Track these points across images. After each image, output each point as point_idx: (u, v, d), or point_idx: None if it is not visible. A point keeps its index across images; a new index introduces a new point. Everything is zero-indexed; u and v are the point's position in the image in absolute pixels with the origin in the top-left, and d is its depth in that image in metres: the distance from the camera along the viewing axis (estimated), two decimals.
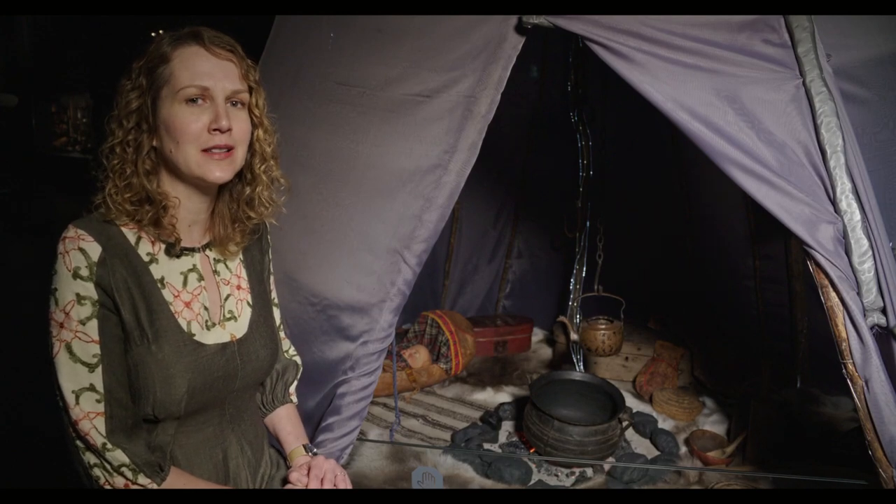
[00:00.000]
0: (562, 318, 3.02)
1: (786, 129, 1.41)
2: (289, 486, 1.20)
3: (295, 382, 1.40)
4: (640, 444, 2.38)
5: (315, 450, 1.29)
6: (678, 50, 1.44)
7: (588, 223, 2.98)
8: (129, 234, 1.07)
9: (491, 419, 2.47)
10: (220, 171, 1.07)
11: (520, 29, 1.59)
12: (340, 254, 1.78)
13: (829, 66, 1.43)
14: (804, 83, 1.40)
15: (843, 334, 1.39)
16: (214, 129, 1.05)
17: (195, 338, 1.10)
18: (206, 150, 1.06)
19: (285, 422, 1.34)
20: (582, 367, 2.82)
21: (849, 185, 1.37)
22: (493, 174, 3.21)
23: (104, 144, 1.07)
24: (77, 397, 0.99)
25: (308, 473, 1.19)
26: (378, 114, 1.74)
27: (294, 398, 1.39)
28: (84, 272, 0.99)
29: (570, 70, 2.81)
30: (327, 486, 1.19)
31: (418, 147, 1.70)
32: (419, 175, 1.70)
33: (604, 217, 2.83)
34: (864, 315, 1.37)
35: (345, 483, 1.21)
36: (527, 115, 3.31)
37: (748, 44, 1.43)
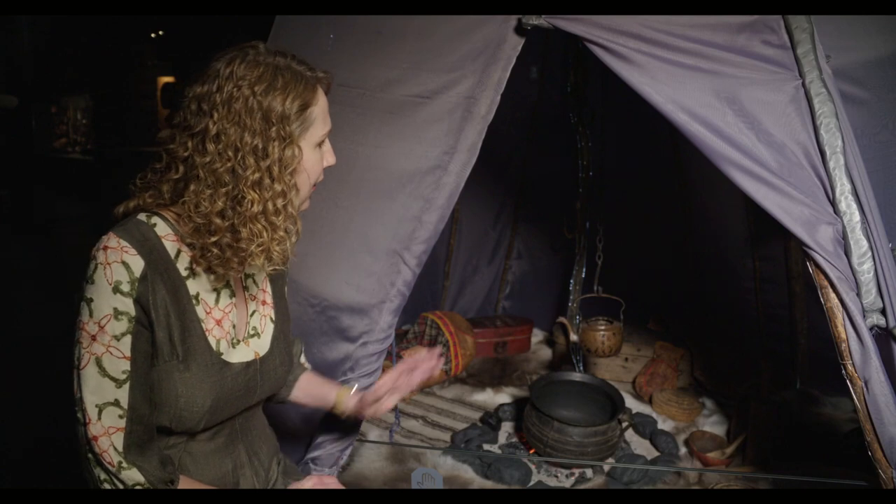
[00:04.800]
0: (561, 318, 3.02)
1: (785, 130, 1.41)
2: (374, 396, 1.32)
3: (302, 354, 1.44)
4: (640, 445, 2.38)
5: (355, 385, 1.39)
6: (678, 51, 1.44)
7: (588, 224, 2.98)
8: (170, 245, 1.03)
9: (491, 420, 2.47)
10: (310, 202, 1.15)
11: (519, 30, 1.59)
12: (340, 255, 1.78)
13: (828, 67, 1.43)
14: (803, 84, 1.40)
15: (843, 335, 1.39)
16: (326, 167, 1.13)
17: (223, 357, 1.09)
18: (312, 187, 1.12)
19: (313, 384, 1.41)
20: (582, 368, 2.82)
21: (848, 186, 1.37)
22: (492, 175, 3.21)
23: (256, 205, 0.99)
24: (100, 412, 0.96)
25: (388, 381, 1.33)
26: (378, 115, 1.74)
27: (307, 365, 1.45)
28: (125, 287, 0.95)
29: (570, 71, 2.81)
30: (417, 375, 1.35)
31: (418, 148, 1.70)
32: (419, 176, 1.70)
33: (603, 218, 2.84)
34: (864, 316, 1.37)
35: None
36: (527, 116, 3.31)
37: (747, 45, 1.43)
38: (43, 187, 7.81)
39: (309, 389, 1.40)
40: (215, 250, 1.00)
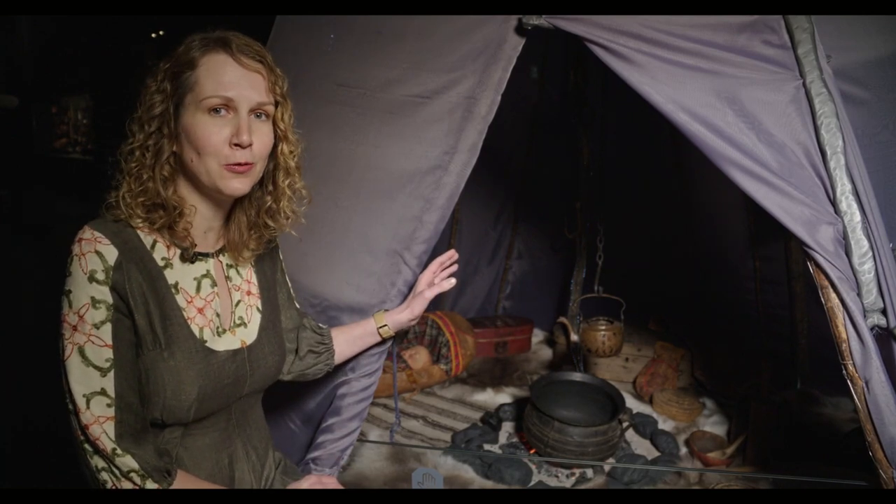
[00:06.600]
0: (562, 318, 3.02)
1: (786, 130, 1.41)
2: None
3: (316, 325, 1.49)
4: (641, 445, 2.38)
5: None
6: (678, 51, 1.44)
7: (588, 224, 2.98)
8: (145, 237, 1.06)
9: (491, 420, 2.47)
10: (239, 183, 1.07)
11: (520, 30, 1.59)
12: (340, 255, 1.78)
13: (829, 67, 1.43)
14: (804, 84, 1.40)
15: (843, 335, 1.39)
16: (235, 144, 1.04)
17: (207, 344, 1.10)
18: (227, 166, 1.05)
19: (345, 331, 1.53)
20: (582, 368, 2.82)
21: (849, 186, 1.37)
22: (492, 175, 3.21)
23: (123, 146, 1.06)
24: (88, 401, 0.98)
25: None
26: (378, 115, 1.74)
27: (326, 327, 1.51)
28: (100, 276, 0.98)
29: (570, 71, 2.81)
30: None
31: (418, 148, 1.70)
32: (419, 176, 1.70)
33: (603, 218, 2.84)
34: (865, 316, 1.37)
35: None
36: (527, 116, 3.31)
37: (748, 45, 1.43)
38: (43, 187, 7.81)
39: (345, 336, 1.51)
40: (141, 200, 1.05)
